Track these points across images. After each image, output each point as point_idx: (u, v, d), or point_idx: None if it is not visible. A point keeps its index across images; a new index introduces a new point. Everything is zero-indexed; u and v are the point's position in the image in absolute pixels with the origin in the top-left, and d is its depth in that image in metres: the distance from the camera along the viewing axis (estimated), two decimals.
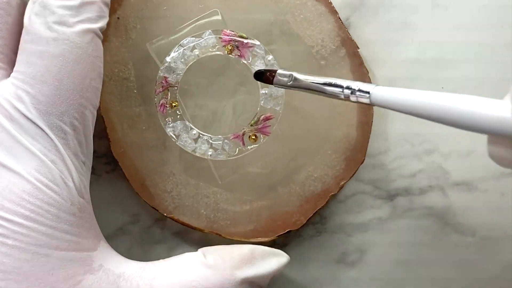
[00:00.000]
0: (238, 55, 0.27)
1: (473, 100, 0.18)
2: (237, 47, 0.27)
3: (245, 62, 0.28)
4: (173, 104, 0.28)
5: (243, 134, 0.28)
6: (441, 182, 0.31)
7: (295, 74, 0.25)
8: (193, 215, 0.29)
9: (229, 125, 0.29)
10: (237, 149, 0.28)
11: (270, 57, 0.27)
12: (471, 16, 0.30)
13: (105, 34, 0.27)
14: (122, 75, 0.29)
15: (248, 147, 0.28)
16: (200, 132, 0.28)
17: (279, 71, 0.26)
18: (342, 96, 0.23)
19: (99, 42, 0.24)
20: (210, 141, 0.28)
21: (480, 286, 0.31)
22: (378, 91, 0.22)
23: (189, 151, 0.28)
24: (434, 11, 0.30)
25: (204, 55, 0.27)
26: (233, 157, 0.28)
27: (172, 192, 0.29)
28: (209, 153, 0.28)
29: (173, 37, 0.28)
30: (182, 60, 0.27)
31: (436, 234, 0.31)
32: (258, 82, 0.27)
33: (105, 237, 0.30)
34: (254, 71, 0.27)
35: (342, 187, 0.29)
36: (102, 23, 0.23)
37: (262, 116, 0.28)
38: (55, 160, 0.22)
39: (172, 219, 0.29)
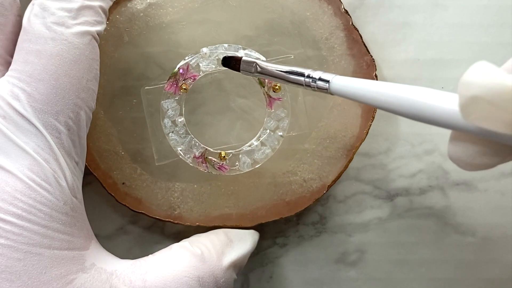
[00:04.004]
0: (192, 80, 0.27)
1: (428, 92, 0.19)
2: (182, 74, 0.27)
3: (199, 74, 0.27)
4: (222, 155, 0.28)
5: (269, 96, 0.27)
6: (441, 182, 0.31)
7: (259, 62, 0.25)
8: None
9: (257, 105, 0.29)
10: (283, 109, 0.28)
11: (204, 49, 0.27)
12: (471, 16, 0.30)
13: None
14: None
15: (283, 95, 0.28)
16: (258, 138, 0.28)
17: (244, 58, 0.26)
18: (303, 84, 0.24)
19: (96, 45, 0.24)
20: (274, 133, 0.28)
21: (480, 286, 0.31)
22: (337, 81, 0.22)
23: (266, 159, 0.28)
24: (434, 11, 0.30)
25: (181, 116, 0.27)
26: (288, 121, 0.28)
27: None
28: (275, 144, 0.28)
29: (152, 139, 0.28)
30: (180, 138, 0.27)
31: (436, 234, 0.31)
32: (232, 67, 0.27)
33: (105, 237, 0.30)
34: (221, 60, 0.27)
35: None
36: (100, 27, 0.24)
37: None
38: (48, 159, 0.22)
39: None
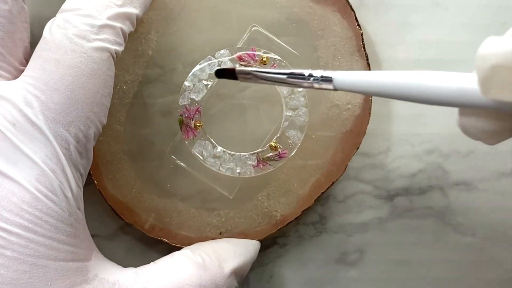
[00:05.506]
0: (198, 113, 0.27)
1: (438, 75, 0.19)
2: (187, 116, 0.27)
3: (199, 105, 0.27)
4: (273, 146, 0.28)
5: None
6: (441, 182, 0.31)
7: (255, 73, 0.25)
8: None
9: (262, 84, 0.28)
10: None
11: (186, 83, 0.27)
12: (471, 16, 0.30)
13: None
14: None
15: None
16: (287, 107, 0.28)
17: (237, 69, 0.25)
18: (306, 85, 0.23)
19: (113, 64, 0.24)
20: (294, 94, 0.28)
21: (480, 286, 0.31)
22: (340, 76, 0.22)
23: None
24: (434, 11, 0.30)
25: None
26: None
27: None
28: (302, 100, 0.27)
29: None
30: (231, 163, 0.28)
31: (436, 234, 0.31)
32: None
33: (105, 237, 0.30)
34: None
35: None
36: (119, 48, 0.24)
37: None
38: (55, 169, 0.22)
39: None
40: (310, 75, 0.23)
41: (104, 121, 0.24)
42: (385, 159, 0.31)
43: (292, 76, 0.24)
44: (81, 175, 0.23)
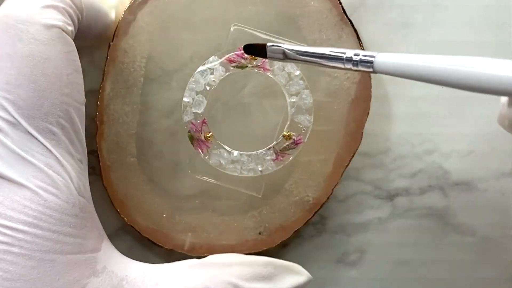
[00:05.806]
0: (206, 124, 0.27)
1: (486, 62, 0.18)
2: (196, 131, 0.27)
3: (203, 117, 0.27)
4: (286, 135, 0.28)
5: (257, 66, 0.27)
6: (441, 182, 0.31)
7: (287, 49, 0.24)
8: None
9: (259, 79, 0.28)
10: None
11: (185, 99, 0.27)
12: (471, 16, 0.30)
13: None
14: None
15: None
16: (289, 94, 0.27)
17: (268, 45, 0.24)
18: (343, 66, 0.22)
19: (68, 37, 0.23)
20: (291, 80, 0.27)
21: (480, 286, 0.31)
22: (382, 58, 0.21)
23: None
24: (434, 11, 0.30)
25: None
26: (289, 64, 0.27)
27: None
28: (302, 84, 0.27)
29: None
30: (251, 163, 0.28)
31: (436, 234, 0.31)
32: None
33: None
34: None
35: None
36: (68, 26, 0.23)
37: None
38: (50, 163, 0.22)
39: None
40: (348, 56, 0.22)
41: (82, 99, 0.23)
42: (385, 159, 0.31)
43: (328, 56, 0.22)
44: (80, 161, 0.23)
